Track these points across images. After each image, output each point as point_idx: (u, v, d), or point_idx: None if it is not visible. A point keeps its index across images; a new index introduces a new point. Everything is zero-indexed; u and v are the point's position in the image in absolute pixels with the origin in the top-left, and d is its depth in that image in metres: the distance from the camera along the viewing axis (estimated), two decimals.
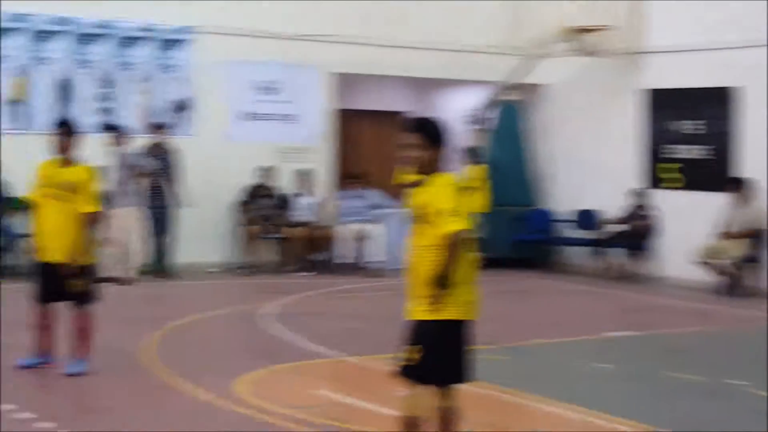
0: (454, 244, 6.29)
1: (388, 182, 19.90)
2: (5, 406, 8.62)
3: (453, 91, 21.19)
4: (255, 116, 19.23)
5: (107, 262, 16.36)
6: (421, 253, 6.50)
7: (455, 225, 6.28)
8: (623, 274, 18.92)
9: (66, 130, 10.24)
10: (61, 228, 9.94)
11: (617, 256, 19.25)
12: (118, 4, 17.90)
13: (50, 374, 10.00)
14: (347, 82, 20.10)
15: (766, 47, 16.88)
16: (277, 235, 18.79)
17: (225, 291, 16.65)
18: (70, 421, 8.40)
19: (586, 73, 20.24)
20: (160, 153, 17.61)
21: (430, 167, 6.50)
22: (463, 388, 6.76)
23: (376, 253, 19.00)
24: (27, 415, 8.44)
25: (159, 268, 17.61)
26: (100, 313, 10.62)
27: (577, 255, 20.28)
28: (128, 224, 16.61)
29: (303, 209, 19.00)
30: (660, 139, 19.14)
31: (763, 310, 15.07)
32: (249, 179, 18.70)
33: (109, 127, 16.83)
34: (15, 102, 17.48)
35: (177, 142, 17.93)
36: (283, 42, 18.98)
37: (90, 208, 10.02)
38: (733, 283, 16.98)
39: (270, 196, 18.81)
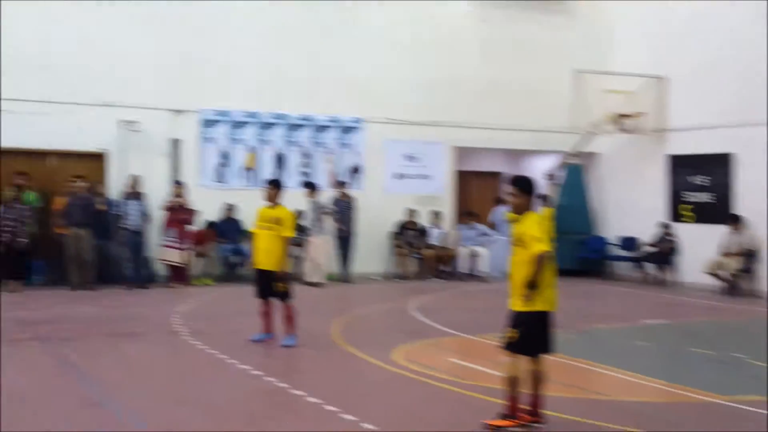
0: (540, 260, 6.35)
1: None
2: (243, 366, 8.90)
3: (535, 158, 21.00)
4: (402, 176, 19.31)
5: (307, 272, 16.69)
6: (518, 266, 6.57)
7: (541, 247, 6.35)
8: (655, 281, 18.58)
9: (274, 185, 10.51)
10: (270, 248, 10.13)
11: (650, 268, 18.91)
12: (314, 104, 18.29)
13: (271, 346, 10.19)
14: (463, 152, 20.11)
15: (755, 126, 16.59)
16: (418, 255, 18.81)
17: (384, 292, 16.62)
18: (284, 376, 8.56)
19: (627, 144, 19.87)
20: (342, 201, 17.82)
21: (523, 208, 6.63)
22: (547, 357, 6.75)
23: (483, 266, 18.90)
24: (258, 372, 8.66)
25: (341, 276, 17.76)
26: (303, 306, 10.84)
27: (622, 267, 19.86)
28: (320, 247, 16.88)
29: (435, 237, 19.03)
30: (679, 188, 18.75)
31: (756, 306, 14.74)
32: (399, 217, 18.78)
33: (307, 184, 17.19)
34: (248, 169, 17.92)
35: (353, 193, 18.13)
36: (421, 127, 19.12)
37: (288, 234, 10.18)
38: (733, 288, 16.55)
39: (413, 228, 18.86)
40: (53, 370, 8.83)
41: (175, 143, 17.25)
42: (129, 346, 10.33)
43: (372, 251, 18.45)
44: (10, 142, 15.89)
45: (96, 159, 16.73)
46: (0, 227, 15.07)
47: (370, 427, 6.63)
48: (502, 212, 18.80)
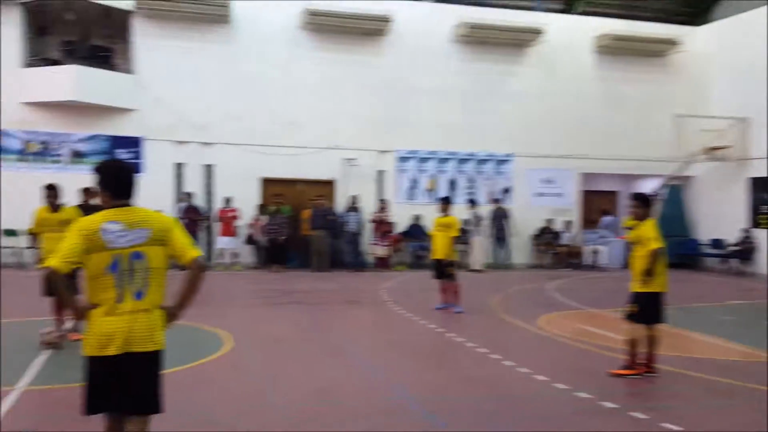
0: (655, 254, 6.15)
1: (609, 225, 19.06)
2: (430, 325, 8.95)
3: (643, 180, 19.99)
4: (542, 194, 18.89)
5: (471, 262, 16.67)
6: (637, 259, 6.39)
7: (656, 244, 6.16)
8: (737, 272, 17.27)
9: (446, 201, 10.52)
10: (443, 244, 10.20)
11: (734, 263, 17.61)
12: (477, 144, 18.25)
13: (448, 312, 10.15)
14: (587, 177, 19.36)
15: None
16: (553, 251, 18.36)
17: (528, 277, 16.18)
18: (459, 333, 8.49)
19: (716, 169, 18.59)
20: (497, 212, 17.71)
21: (641, 217, 6.41)
22: (659, 326, 6.51)
23: (602, 260, 18.19)
24: (441, 330, 8.74)
25: (497, 265, 17.56)
26: (470, 285, 10.85)
27: (712, 262, 18.58)
28: (478, 244, 16.81)
29: (566, 238, 18.49)
30: (758, 202, 17.42)
31: None
32: (539, 224, 18.43)
33: (470, 201, 17.17)
34: (429, 190, 18.09)
35: (505, 207, 17.94)
36: (555, 159, 18.64)
37: (455, 234, 10.21)
38: None
39: (549, 232, 18.46)
40: (305, 324, 9.26)
41: (380, 173, 17.73)
42: (354, 310, 10.71)
43: (519, 248, 18.15)
44: (271, 173, 16.96)
45: (328, 184, 17.42)
46: (267, 230, 16.10)
47: (525, 370, 6.64)
48: (607, 220, 18.64)
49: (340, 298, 11.83)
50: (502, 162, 18.59)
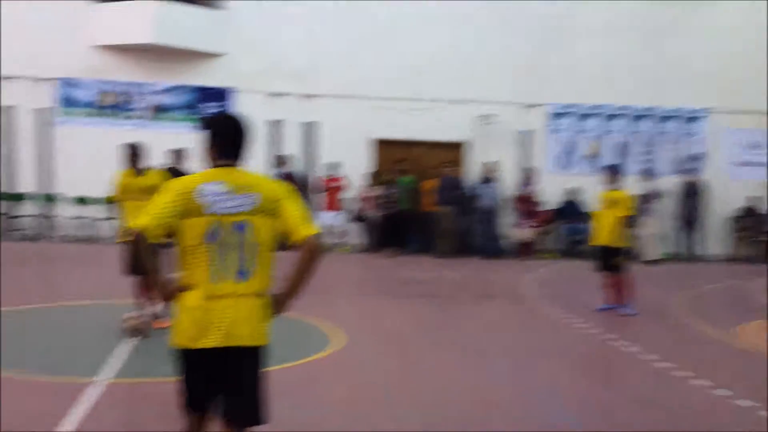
0: None
1: None
2: (593, 330, 8.82)
3: None
4: (746, 163, 17.96)
5: (647, 250, 16.11)
6: None
7: None
8: None
9: (612, 170, 10.37)
10: (608, 226, 9.96)
11: None
12: (660, 95, 17.57)
13: (614, 315, 9.91)
14: None
15: None
16: (759, 239, 17.41)
17: (724, 272, 15.31)
18: (634, 342, 8.33)
19: None
20: (685, 187, 17.13)
21: None
22: None
23: None
24: (610, 335, 8.60)
25: (682, 255, 16.97)
26: (646, 281, 10.48)
27: None
28: (652, 227, 16.24)
29: None
30: None
31: None
32: (741, 203, 17.59)
33: (647, 171, 16.63)
34: (592, 156, 17.70)
35: (695, 179, 17.23)
36: (766, 116, 17.60)
37: (624, 213, 9.92)
38: None
39: (754, 213, 17.55)
40: (430, 321, 9.41)
41: (526, 134, 17.49)
42: (490, 305, 10.76)
43: (713, 234, 17.48)
44: (387, 134, 17.17)
45: (455, 148, 17.44)
46: (381, 204, 16.33)
47: (723, 392, 6.40)
48: None
49: (473, 291, 11.88)
50: (691, 119, 17.87)
